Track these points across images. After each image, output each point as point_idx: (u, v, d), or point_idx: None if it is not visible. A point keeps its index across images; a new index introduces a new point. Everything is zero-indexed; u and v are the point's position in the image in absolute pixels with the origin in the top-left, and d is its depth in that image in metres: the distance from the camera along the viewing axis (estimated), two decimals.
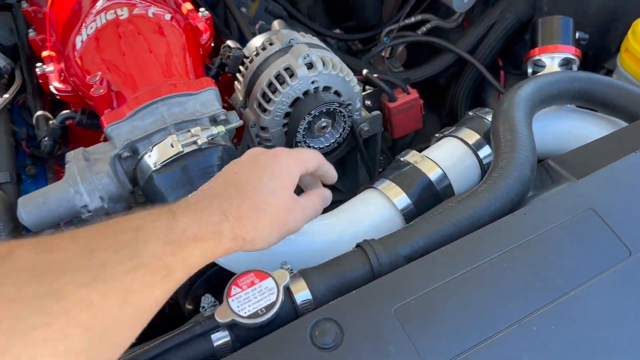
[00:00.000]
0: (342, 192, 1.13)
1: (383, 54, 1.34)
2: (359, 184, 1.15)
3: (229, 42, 0.99)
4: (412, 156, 0.87)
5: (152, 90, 0.78)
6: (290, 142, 0.92)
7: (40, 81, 0.97)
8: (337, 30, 1.48)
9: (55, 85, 0.93)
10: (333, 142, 0.96)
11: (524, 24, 1.23)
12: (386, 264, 0.63)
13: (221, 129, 0.76)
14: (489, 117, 0.88)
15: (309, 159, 0.63)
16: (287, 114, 0.91)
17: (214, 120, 0.80)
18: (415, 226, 0.67)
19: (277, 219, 0.56)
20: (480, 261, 0.58)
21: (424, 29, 1.37)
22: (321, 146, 0.95)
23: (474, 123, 0.90)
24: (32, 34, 1.07)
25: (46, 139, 0.95)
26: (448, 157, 0.87)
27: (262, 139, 0.93)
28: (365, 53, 1.36)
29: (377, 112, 1.00)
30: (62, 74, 0.93)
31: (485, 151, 0.86)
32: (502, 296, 0.55)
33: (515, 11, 1.22)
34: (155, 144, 0.75)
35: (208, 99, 0.81)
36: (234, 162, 0.60)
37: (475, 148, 0.87)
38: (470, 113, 0.93)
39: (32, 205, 0.71)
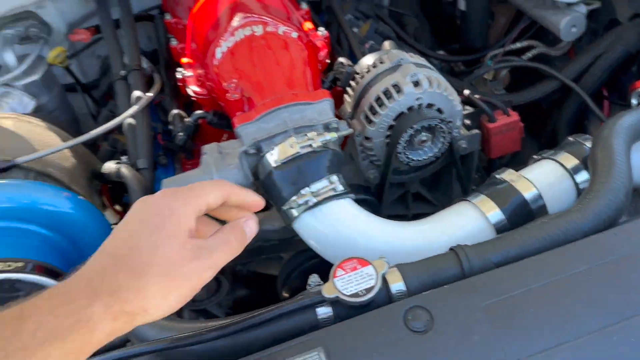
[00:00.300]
0: (434, 205, 1.19)
1: (486, 76, 1.38)
2: (451, 199, 1.20)
3: (342, 59, 1.10)
4: (508, 174, 0.92)
5: (277, 98, 0.90)
6: (390, 152, 1.00)
7: (179, 84, 1.13)
8: (441, 52, 1.55)
9: (192, 89, 1.08)
10: (431, 156, 1.02)
11: (633, 55, 1.23)
12: (476, 268, 0.69)
13: (334, 135, 0.86)
14: (589, 144, 0.90)
15: (207, 193, 0.54)
16: (390, 127, 0.99)
17: (327, 128, 0.90)
18: (507, 237, 0.72)
19: (169, 278, 0.47)
20: (569, 272, 0.63)
21: (529, 54, 1.40)
22: (419, 158, 1.02)
23: (573, 148, 0.93)
24: (174, 42, 1.24)
25: (181, 134, 1.11)
26: (544, 178, 0.91)
27: (365, 147, 1.02)
28: (467, 75, 1.41)
29: (476, 131, 1.05)
30: (200, 79, 1.08)
31: (582, 176, 0.89)
32: (586, 305, 0.60)
33: (625, 42, 1.22)
34: (277, 144, 0.86)
35: (324, 108, 0.91)
36: (120, 223, 0.51)
37: (572, 172, 0.89)
38: (570, 138, 0.96)
39: (174, 187, 0.84)
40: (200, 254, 0.50)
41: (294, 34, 0.99)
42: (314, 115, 0.90)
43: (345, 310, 0.66)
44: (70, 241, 0.94)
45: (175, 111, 1.18)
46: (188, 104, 1.30)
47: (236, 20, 1.00)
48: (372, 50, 1.34)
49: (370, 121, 0.98)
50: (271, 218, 1.11)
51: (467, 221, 0.88)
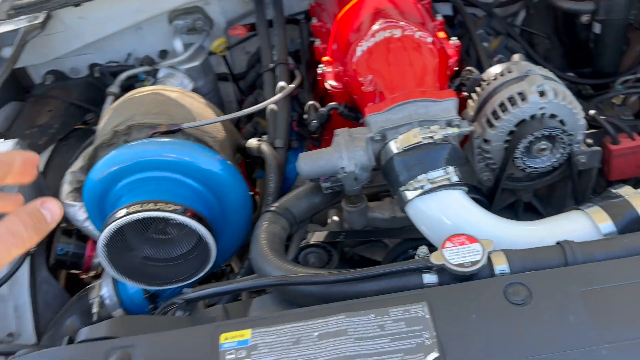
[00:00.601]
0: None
1: (614, 100, 1.37)
2: None
3: (470, 68, 1.17)
4: (625, 190, 0.93)
5: (406, 93, 0.99)
6: (508, 156, 1.05)
7: (319, 78, 1.27)
8: (571, 74, 1.55)
9: (330, 82, 1.22)
10: (549, 165, 1.06)
11: None
12: (580, 261, 0.73)
13: (455, 130, 0.94)
14: None
15: None
16: (510, 132, 1.04)
17: (449, 124, 0.98)
18: (615, 239, 0.76)
19: None
20: None
21: None
22: (536, 166, 1.06)
23: None
24: (317, 42, 1.39)
25: (315, 121, 1.25)
26: None
27: (483, 150, 1.08)
28: (595, 98, 1.41)
29: (597, 148, 1.07)
30: (338, 75, 1.21)
31: None
32: None
33: None
34: (401, 134, 0.96)
35: (448, 107, 0.99)
36: None
37: None
38: None
39: (309, 160, 0.98)
40: None
41: (429, 39, 1.09)
42: (438, 112, 0.99)
43: (449, 279, 0.74)
44: (216, 198, 1.10)
45: (310, 102, 1.33)
46: (321, 99, 1.44)
47: (378, 24, 1.11)
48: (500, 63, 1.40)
49: (491, 125, 1.05)
50: (382, 207, 1.21)
51: (578, 228, 0.91)
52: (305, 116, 1.36)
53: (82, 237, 1.30)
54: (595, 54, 1.44)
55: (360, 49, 1.10)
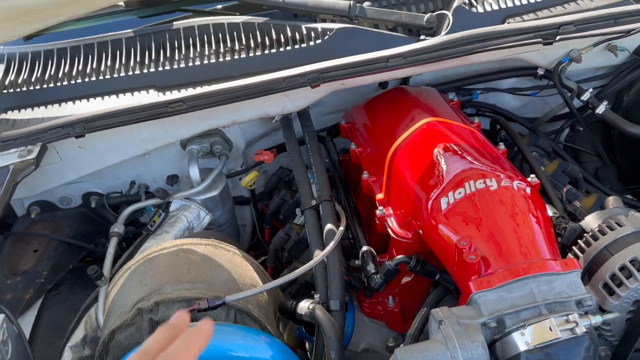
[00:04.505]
0: None
1: None
2: None
3: (562, 214, 1.01)
4: None
5: (523, 265, 0.81)
6: (633, 331, 0.86)
7: (377, 221, 1.08)
8: (629, 196, 1.42)
9: (395, 230, 1.02)
10: None
11: None
12: None
13: (599, 319, 0.75)
14: None
15: None
16: (636, 301, 0.86)
17: (580, 304, 0.79)
18: None
19: None
20: None
21: None
22: None
23: None
24: (365, 175, 1.20)
25: (378, 276, 1.04)
26: None
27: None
28: None
29: None
30: (405, 222, 1.02)
31: None
32: None
33: None
34: (526, 321, 0.76)
35: (574, 280, 0.81)
36: None
37: None
38: None
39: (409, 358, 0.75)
40: None
41: (528, 189, 0.92)
42: (564, 289, 0.80)
43: None
44: None
45: (365, 248, 1.12)
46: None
47: (466, 171, 0.94)
48: (570, 196, 1.24)
49: (612, 293, 0.86)
50: None
51: None
52: (356, 262, 1.15)
53: None
54: None
55: (445, 201, 0.92)
